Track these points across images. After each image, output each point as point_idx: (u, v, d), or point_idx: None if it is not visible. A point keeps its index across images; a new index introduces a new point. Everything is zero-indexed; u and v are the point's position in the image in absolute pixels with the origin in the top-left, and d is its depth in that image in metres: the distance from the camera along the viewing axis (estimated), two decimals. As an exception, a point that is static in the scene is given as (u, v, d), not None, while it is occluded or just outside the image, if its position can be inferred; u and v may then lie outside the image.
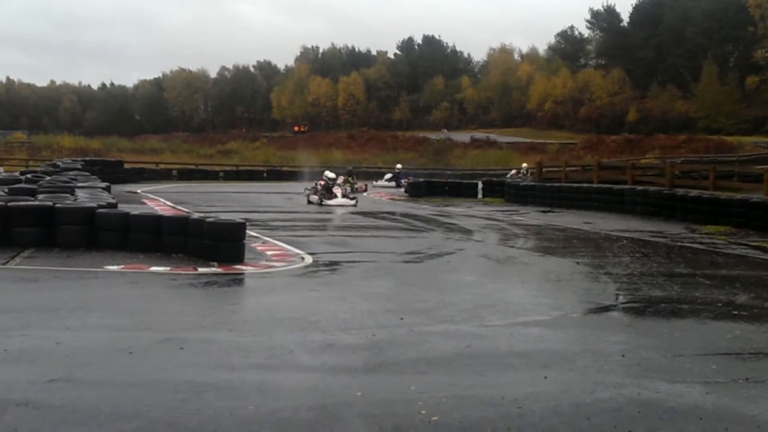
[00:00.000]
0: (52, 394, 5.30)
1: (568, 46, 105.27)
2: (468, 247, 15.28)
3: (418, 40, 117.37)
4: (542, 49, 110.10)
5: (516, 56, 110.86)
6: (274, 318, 8.09)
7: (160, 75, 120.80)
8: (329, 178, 26.44)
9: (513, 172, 37.93)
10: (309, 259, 12.54)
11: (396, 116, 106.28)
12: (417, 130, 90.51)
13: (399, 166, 41.30)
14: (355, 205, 24.77)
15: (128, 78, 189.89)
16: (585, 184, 27.67)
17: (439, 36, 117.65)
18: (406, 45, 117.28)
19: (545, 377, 5.96)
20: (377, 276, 11.61)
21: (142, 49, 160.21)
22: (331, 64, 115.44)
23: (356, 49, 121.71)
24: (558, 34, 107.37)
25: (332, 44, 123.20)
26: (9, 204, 13.03)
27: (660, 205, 22.22)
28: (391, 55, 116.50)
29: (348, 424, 4.86)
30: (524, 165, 39.12)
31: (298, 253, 13.16)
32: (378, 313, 8.56)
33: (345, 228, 18.92)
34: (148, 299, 9.14)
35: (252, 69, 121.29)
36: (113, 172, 34.18)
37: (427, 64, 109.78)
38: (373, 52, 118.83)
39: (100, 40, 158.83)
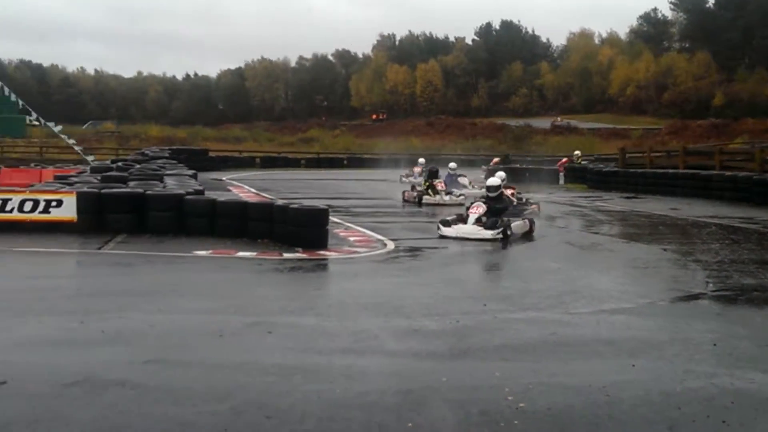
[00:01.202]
0: (148, 374, 5.48)
1: (650, 29, 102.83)
2: (551, 234, 15.11)
3: (496, 25, 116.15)
4: (623, 32, 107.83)
5: (596, 40, 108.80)
6: (358, 303, 8.17)
7: (242, 65, 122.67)
8: (498, 183, 15.38)
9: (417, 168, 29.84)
10: (391, 245, 12.60)
11: (474, 103, 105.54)
12: (495, 117, 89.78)
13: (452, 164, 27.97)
14: (505, 237, 13.78)
15: (211, 68, 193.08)
16: (670, 170, 27.07)
17: (518, 21, 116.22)
18: (484, 31, 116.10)
19: (633, 365, 5.87)
20: (459, 262, 11.62)
21: (224, 40, 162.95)
22: (408, 51, 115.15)
23: (434, 36, 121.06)
24: (640, 17, 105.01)
25: (409, 31, 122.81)
26: (102, 191, 13.53)
27: (750, 191, 21.56)
28: (469, 42, 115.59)
29: (434, 409, 4.88)
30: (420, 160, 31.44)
31: (380, 239, 13.23)
32: (461, 299, 8.57)
33: (426, 215, 18.92)
34: (236, 284, 9.34)
35: (331, 57, 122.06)
36: (199, 160, 34.85)
37: (506, 49, 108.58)
38: (451, 39, 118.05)
39: (183, 32, 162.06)
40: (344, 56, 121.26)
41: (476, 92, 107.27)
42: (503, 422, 4.64)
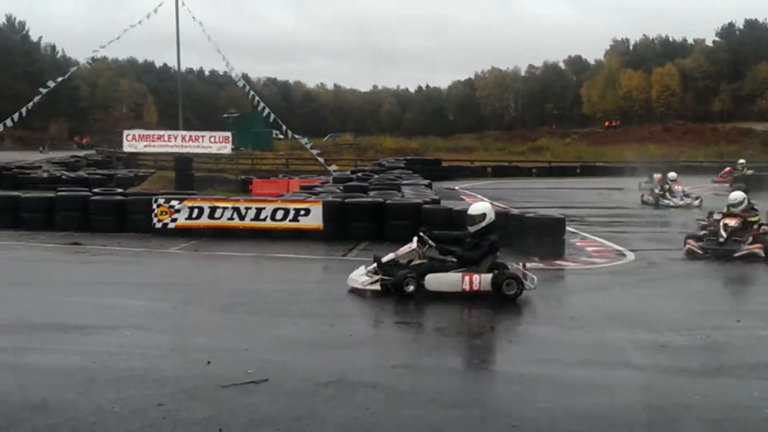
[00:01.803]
0: (397, 378, 5.69)
1: None
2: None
3: (740, 24, 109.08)
4: None
5: None
6: (600, 315, 8.02)
7: (472, 75, 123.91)
8: (481, 212, 9.48)
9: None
10: (630, 256, 12.20)
11: (715, 107, 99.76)
12: (739, 122, 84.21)
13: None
14: (398, 291, 8.91)
15: (442, 80, 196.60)
16: None
17: (764, 20, 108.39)
18: (726, 31, 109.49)
19: None
20: (706, 274, 11.04)
21: (454, 52, 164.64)
22: (643, 55, 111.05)
23: (670, 39, 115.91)
24: None
25: (644, 35, 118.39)
26: (346, 200, 14.22)
27: None
28: (709, 43, 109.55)
29: (688, 428, 4.70)
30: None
31: (618, 250, 12.85)
32: (710, 313, 8.18)
33: (665, 224, 18.13)
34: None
35: (561, 65, 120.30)
36: (432, 170, 35.49)
37: (750, 50, 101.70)
38: (689, 41, 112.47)
39: (415, 46, 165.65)
40: (575, 63, 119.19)
41: (717, 96, 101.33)
42: (766, 445, 4.40)
